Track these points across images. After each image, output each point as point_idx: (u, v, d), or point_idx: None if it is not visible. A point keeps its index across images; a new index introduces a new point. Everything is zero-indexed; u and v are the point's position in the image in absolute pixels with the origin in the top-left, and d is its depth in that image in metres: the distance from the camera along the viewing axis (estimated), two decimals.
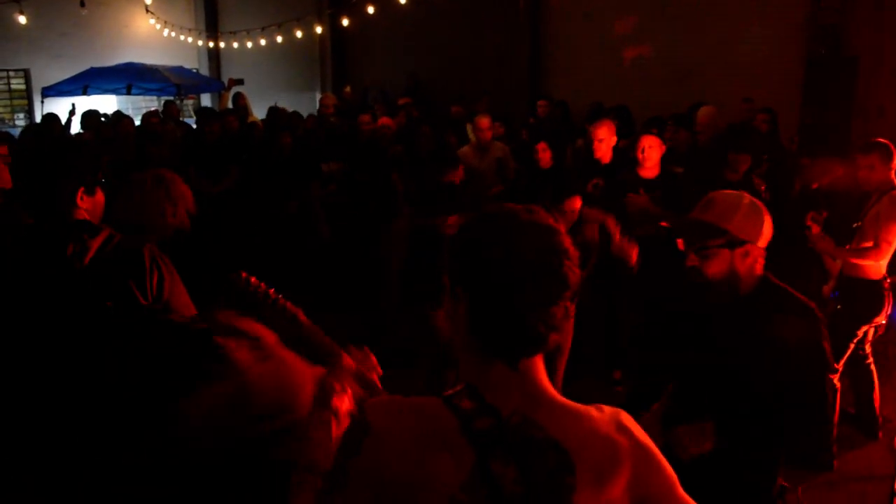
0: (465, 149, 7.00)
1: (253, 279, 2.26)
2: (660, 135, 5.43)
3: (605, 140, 5.62)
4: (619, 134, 6.17)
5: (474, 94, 10.49)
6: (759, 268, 2.28)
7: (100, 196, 2.64)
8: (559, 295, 1.29)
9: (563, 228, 1.34)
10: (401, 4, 9.88)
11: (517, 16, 11.55)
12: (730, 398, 2.17)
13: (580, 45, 10.93)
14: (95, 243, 2.42)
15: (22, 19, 10.69)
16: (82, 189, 2.55)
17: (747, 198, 2.32)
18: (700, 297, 2.32)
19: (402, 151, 7.36)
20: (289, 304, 1.98)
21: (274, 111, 9.68)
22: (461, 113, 9.78)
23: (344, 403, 1.71)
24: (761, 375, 2.14)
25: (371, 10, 10.30)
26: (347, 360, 1.78)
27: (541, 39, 11.56)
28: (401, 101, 9.83)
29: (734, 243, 2.23)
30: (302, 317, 1.95)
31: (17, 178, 4.66)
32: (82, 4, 10.60)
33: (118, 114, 9.99)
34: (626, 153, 5.80)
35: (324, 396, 1.70)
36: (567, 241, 1.32)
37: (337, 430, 1.66)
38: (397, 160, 7.13)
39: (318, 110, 9.85)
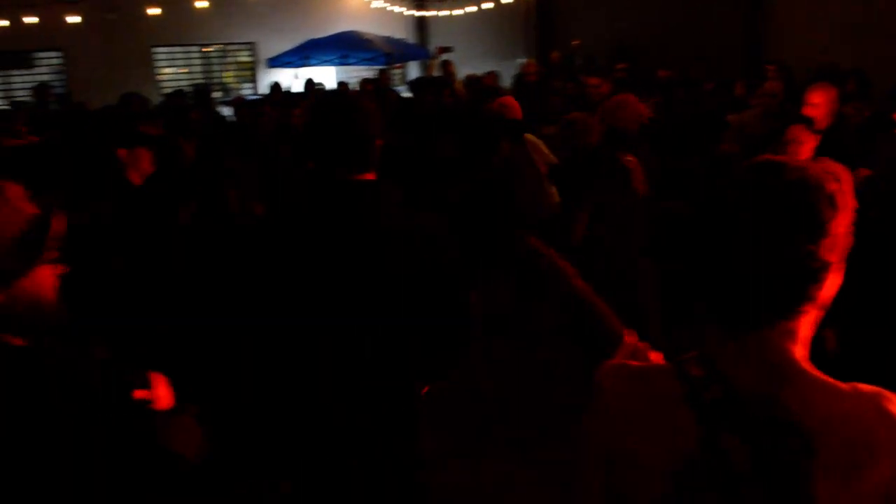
0: (750, 114, 6.58)
1: (534, 239, 2.28)
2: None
3: (820, 105, 5.07)
4: (857, 99, 5.71)
5: (685, 58, 10.08)
6: None
7: None
8: (791, 255, 1.16)
9: (829, 184, 1.18)
10: None
11: None
12: None
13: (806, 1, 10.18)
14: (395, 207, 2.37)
15: None
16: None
17: None
18: None
19: None
20: (567, 265, 1.98)
21: (474, 80, 9.83)
22: (669, 77, 9.45)
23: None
24: None
25: None
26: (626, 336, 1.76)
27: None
28: (618, 66, 9.62)
29: None
30: (579, 281, 1.94)
31: None
32: None
33: (342, 83, 10.61)
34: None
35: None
36: (827, 190, 1.17)
37: None
38: None
39: (518, 77, 9.88)
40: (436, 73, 10.56)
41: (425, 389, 2.58)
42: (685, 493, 1.22)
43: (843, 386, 1.19)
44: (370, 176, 2.33)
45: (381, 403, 2.36)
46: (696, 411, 1.21)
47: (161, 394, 1.81)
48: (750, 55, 10.89)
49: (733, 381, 1.21)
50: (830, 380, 1.20)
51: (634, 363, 1.36)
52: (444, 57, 10.68)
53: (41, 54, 15.11)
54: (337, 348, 2.31)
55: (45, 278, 1.65)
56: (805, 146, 4.25)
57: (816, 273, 1.17)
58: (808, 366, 1.22)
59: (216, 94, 15.58)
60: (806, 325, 1.22)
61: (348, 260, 2.25)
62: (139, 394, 1.79)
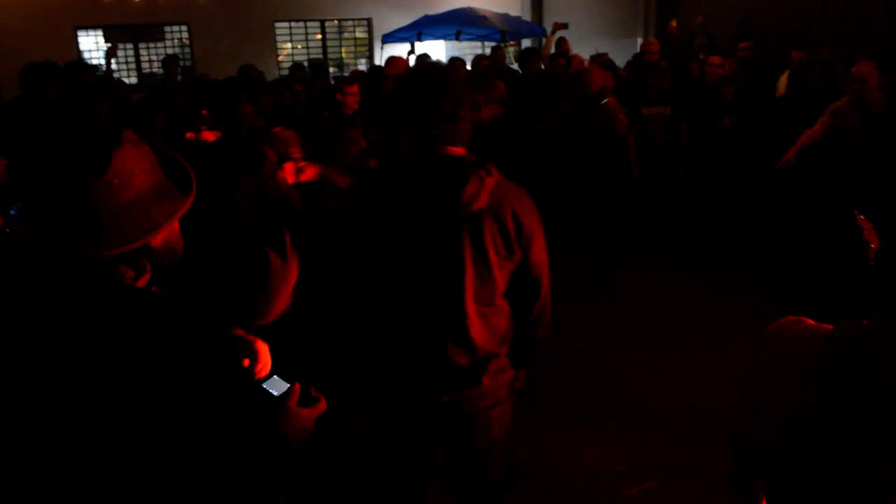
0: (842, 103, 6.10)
1: (868, 225, 2.31)
2: None
3: None
4: None
5: (818, 37, 9.49)
6: None
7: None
8: None
9: None
10: None
11: None
12: None
13: None
14: (490, 182, 2.28)
15: None
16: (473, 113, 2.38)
17: None
18: None
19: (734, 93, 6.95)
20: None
21: (596, 57, 9.61)
22: (804, 58, 8.93)
23: None
24: None
25: None
26: None
27: None
28: (742, 45, 9.21)
29: None
30: None
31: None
32: None
33: (454, 58, 10.61)
34: None
35: None
36: None
37: None
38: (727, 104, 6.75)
39: (637, 55, 9.63)
40: (552, 50, 10.36)
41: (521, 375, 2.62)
42: (795, 450, 1.24)
43: None
44: (458, 150, 2.33)
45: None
46: (821, 373, 1.22)
47: (265, 362, 1.80)
48: (892, 37, 10.17)
49: (869, 353, 1.19)
50: None
51: (810, 321, 1.38)
52: (560, 34, 10.46)
53: (169, 28, 15.77)
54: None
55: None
56: None
57: None
58: None
59: (332, 70, 15.90)
60: None
61: (425, 226, 2.29)
62: (246, 363, 1.78)
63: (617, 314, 6.00)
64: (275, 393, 1.68)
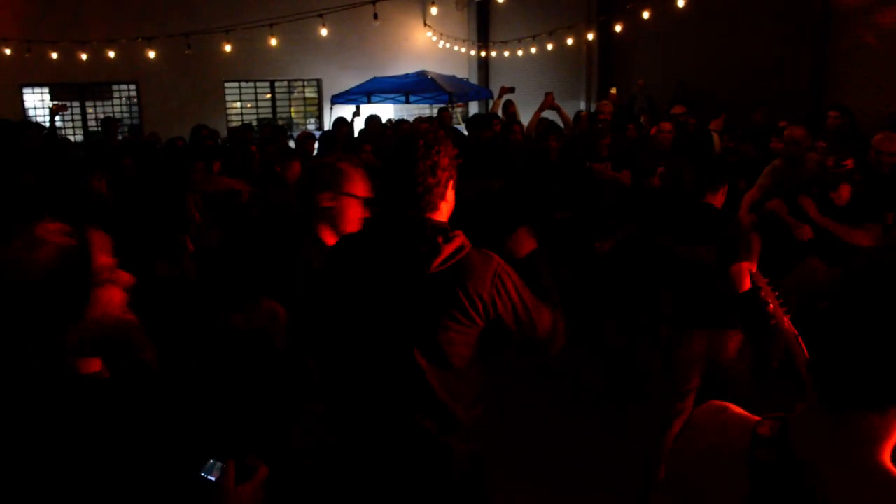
0: (777, 162, 6.45)
1: (764, 282, 2.42)
2: None
3: None
4: None
5: (750, 104, 9.95)
6: None
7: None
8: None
9: None
10: (677, 8, 9.60)
11: (801, 22, 10.77)
12: None
13: (876, 51, 9.96)
14: (448, 249, 2.24)
15: (324, 32, 11.82)
16: (452, 182, 2.37)
17: None
18: None
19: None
20: (780, 312, 2.16)
21: (543, 121, 9.87)
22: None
23: None
24: None
25: (646, 14, 10.13)
26: None
27: (828, 46, 10.68)
28: (675, 111, 9.56)
29: None
30: (786, 324, 2.13)
31: None
32: (375, 17, 11.52)
33: (400, 120, 10.76)
34: None
35: None
36: None
37: None
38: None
39: (592, 115, 9.93)
40: (500, 112, 10.62)
41: None
42: None
43: None
44: (433, 215, 2.33)
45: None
46: (749, 469, 1.22)
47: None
48: (816, 99, 10.68)
49: (797, 450, 1.19)
50: None
51: (736, 408, 1.36)
52: (507, 97, 10.74)
53: (117, 87, 15.74)
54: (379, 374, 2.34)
55: (110, 299, 1.63)
56: None
57: None
58: (887, 465, 1.15)
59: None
60: None
61: (390, 290, 2.28)
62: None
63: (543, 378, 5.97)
64: (212, 479, 1.59)
